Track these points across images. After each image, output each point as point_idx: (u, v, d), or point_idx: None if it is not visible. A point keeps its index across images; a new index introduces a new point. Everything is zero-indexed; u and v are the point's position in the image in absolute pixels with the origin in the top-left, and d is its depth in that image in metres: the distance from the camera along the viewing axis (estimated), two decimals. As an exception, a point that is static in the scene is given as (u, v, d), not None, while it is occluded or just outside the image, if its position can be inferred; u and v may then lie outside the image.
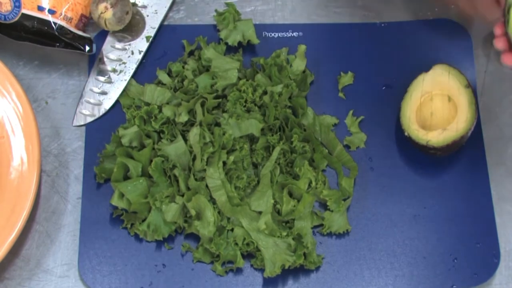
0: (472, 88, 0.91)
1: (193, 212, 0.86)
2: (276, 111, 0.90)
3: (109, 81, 0.95)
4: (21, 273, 0.87)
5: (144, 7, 0.99)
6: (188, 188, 0.88)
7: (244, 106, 0.90)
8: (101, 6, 0.92)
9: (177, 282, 0.87)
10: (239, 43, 0.97)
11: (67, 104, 0.95)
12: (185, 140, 0.89)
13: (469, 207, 0.91)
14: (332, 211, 0.89)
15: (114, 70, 0.96)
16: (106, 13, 0.93)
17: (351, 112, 0.94)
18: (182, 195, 0.87)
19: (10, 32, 0.94)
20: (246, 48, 0.97)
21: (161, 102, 0.93)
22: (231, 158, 0.87)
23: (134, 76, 0.96)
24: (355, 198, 0.91)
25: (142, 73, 0.96)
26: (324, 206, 0.90)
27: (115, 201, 0.88)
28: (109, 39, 0.97)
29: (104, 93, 0.95)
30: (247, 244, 0.87)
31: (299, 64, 0.96)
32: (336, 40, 0.98)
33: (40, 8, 0.92)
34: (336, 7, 1.00)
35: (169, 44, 0.98)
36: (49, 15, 0.92)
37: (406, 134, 0.91)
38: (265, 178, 0.88)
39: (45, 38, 0.94)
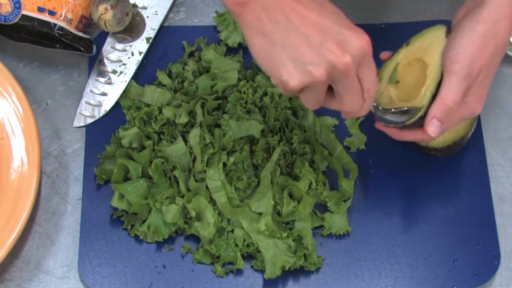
0: None
1: (193, 213, 0.86)
2: (276, 112, 0.90)
3: (109, 82, 0.95)
4: (21, 274, 0.87)
5: (144, 8, 0.99)
6: (188, 189, 0.88)
7: (245, 107, 0.90)
8: (101, 8, 0.92)
9: (177, 283, 0.87)
10: (239, 44, 0.97)
11: (67, 105, 0.95)
12: (185, 141, 0.89)
13: (469, 208, 0.91)
14: (332, 212, 0.89)
15: (114, 71, 0.96)
16: (106, 15, 0.93)
17: (351, 113, 0.94)
18: (182, 196, 0.87)
19: (10, 33, 0.94)
20: (246, 49, 0.97)
21: (161, 103, 0.93)
22: (231, 159, 0.87)
23: (134, 77, 0.96)
24: (355, 199, 0.90)
25: (142, 74, 0.96)
26: (324, 207, 0.90)
27: (115, 202, 0.88)
28: (109, 40, 0.97)
29: (104, 94, 0.95)
30: (247, 245, 0.87)
31: (299, 65, 0.96)
32: (336, 41, 0.98)
33: (40, 9, 0.92)
34: (336, 8, 1.00)
35: (169, 45, 0.98)
36: (50, 16, 0.92)
37: (406, 135, 0.91)
38: (265, 179, 0.88)
39: (45, 39, 0.94)
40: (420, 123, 0.80)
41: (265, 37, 0.69)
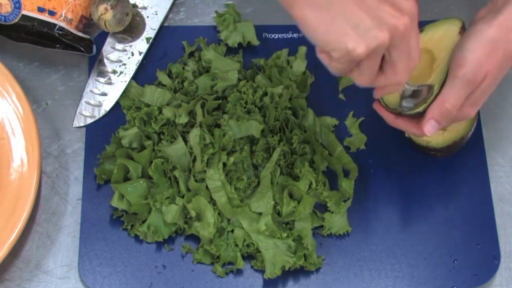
0: None
1: (193, 213, 0.86)
2: (276, 112, 0.90)
3: (109, 82, 0.95)
4: (21, 274, 0.87)
5: (144, 8, 0.99)
6: (188, 189, 0.88)
7: (244, 108, 0.90)
8: (101, 8, 0.92)
9: (177, 283, 0.87)
10: (239, 44, 0.97)
11: (67, 105, 0.95)
12: (185, 141, 0.89)
13: (469, 208, 0.91)
14: (332, 212, 0.89)
15: (114, 71, 0.96)
16: (106, 15, 0.93)
17: (351, 113, 0.94)
18: (182, 196, 0.87)
19: (10, 33, 0.94)
20: (246, 49, 0.97)
21: (161, 103, 0.93)
22: (231, 159, 0.87)
23: (134, 77, 0.96)
24: (355, 199, 0.90)
25: (142, 74, 0.96)
26: (324, 207, 0.90)
27: (115, 202, 0.88)
28: (109, 40, 0.97)
29: (104, 94, 0.95)
30: (247, 246, 0.87)
31: (299, 65, 0.96)
32: (336, 41, 0.98)
33: (40, 10, 0.92)
34: (336, 8, 1.00)
35: (169, 45, 0.98)
36: (50, 16, 0.92)
37: (406, 135, 0.90)
38: (265, 179, 0.88)
39: (45, 39, 0.94)
40: (418, 115, 0.81)
41: (319, 9, 0.67)
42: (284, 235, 0.86)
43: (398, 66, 0.71)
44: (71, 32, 0.93)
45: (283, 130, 0.91)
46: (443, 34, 0.83)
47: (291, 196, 0.89)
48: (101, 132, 0.93)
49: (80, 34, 0.94)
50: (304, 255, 0.86)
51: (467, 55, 0.76)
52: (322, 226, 0.89)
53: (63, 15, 0.92)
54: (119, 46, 0.97)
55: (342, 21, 0.67)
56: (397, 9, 0.67)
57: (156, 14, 0.99)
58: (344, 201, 0.89)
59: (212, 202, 0.87)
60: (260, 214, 0.87)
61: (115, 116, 0.94)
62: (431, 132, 0.78)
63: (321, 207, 0.90)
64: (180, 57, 0.97)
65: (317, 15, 0.68)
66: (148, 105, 0.92)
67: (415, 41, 0.70)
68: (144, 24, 0.98)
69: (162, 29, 0.99)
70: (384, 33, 0.67)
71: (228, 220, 0.87)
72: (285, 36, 0.98)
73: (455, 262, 0.88)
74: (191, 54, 0.97)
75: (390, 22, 0.67)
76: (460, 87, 0.77)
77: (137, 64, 0.96)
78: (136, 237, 0.88)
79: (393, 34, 0.68)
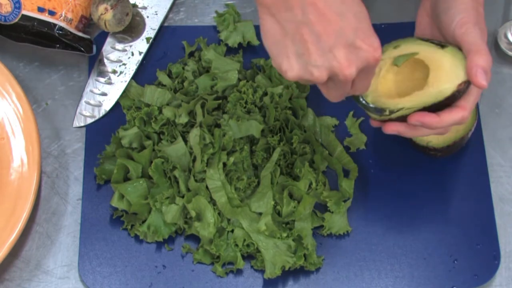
0: None
1: (193, 213, 0.86)
2: (276, 112, 0.90)
3: (109, 82, 0.95)
4: (21, 274, 0.87)
5: (144, 8, 0.99)
6: (188, 189, 0.88)
7: (245, 107, 0.90)
8: (101, 8, 0.92)
9: (177, 283, 0.87)
10: (239, 44, 0.97)
11: (67, 105, 0.95)
12: (185, 141, 0.89)
13: (469, 208, 0.91)
14: (332, 212, 0.89)
15: (114, 71, 0.96)
16: (106, 15, 0.93)
17: (351, 113, 0.94)
18: (182, 196, 0.87)
19: (10, 33, 0.94)
20: (246, 49, 0.97)
21: (161, 103, 0.93)
22: (231, 159, 0.87)
23: (134, 77, 0.96)
24: (355, 199, 0.90)
25: (142, 74, 0.96)
26: (324, 207, 0.90)
27: (115, 202, 0.88)
28: (109, 40, 0.97)
29: (104, 94, 0.95)
30: (247, 246, 0.87)
31: (299, 65, 0.95)
32: (336, 41, 0.98)
33: (40, 9, 0.92)
34: (336, 8, 1.00)
35: (169, 45, 0.98)
36: (50, 16, 0.92)
37: (406, 135, 0.91)
38: (265, 179, 0.88)
39: (45, 39, 0.94)
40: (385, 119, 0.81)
41: (276, 22, 0.68)
42: (284, 235, 0.86)
43: (331, 92, 0.73)
44: (71, 32, 0.93)
45: (283, 130, 0.91)
46: (451, 67, 0.80)
47: (291, 196, 0.89)
48: (101, 132, 0.93)
49: (80, 34, 0.94)
50: (304, 255, 0.86)
51: (464, 16, 0.79)
52: (322, 226, 0.89)
53: (63, 15, 0.92)
54: (119, 46, 0.97)
55: (290, 43, 0.68)
56: (348, 58, 0.67)
57: (156, 14, 0.99)
58: (344, 201, 0.89)
59: (212, 202, 0.87)
60: (260, 214, 0.87)
61: (115, 116, 0.94)
62: (485, 82, 0.75)
63: (321, 207, 0.90)
64: (180, 57, 0.97)
65: (272, 25, 0.68)
66: (148, 105, 0.92)
67: (364, 80, 0.71)
68: (144, 24, 0.98)
69: (162, 29, 0.99)
70: (322, 73, 0.68)
71: (228, 220, 0.87)
72: (285, 36, 0.98)
73: (455, 262, 0.88)
74: (191, 54, 0.97)
75: (333, 67, 0.67)
76: (481, 36, 0.78)
77: (137, 64, 0.96)
78: (136, 237, 0.88)
79: (331, 76, 0.69)
